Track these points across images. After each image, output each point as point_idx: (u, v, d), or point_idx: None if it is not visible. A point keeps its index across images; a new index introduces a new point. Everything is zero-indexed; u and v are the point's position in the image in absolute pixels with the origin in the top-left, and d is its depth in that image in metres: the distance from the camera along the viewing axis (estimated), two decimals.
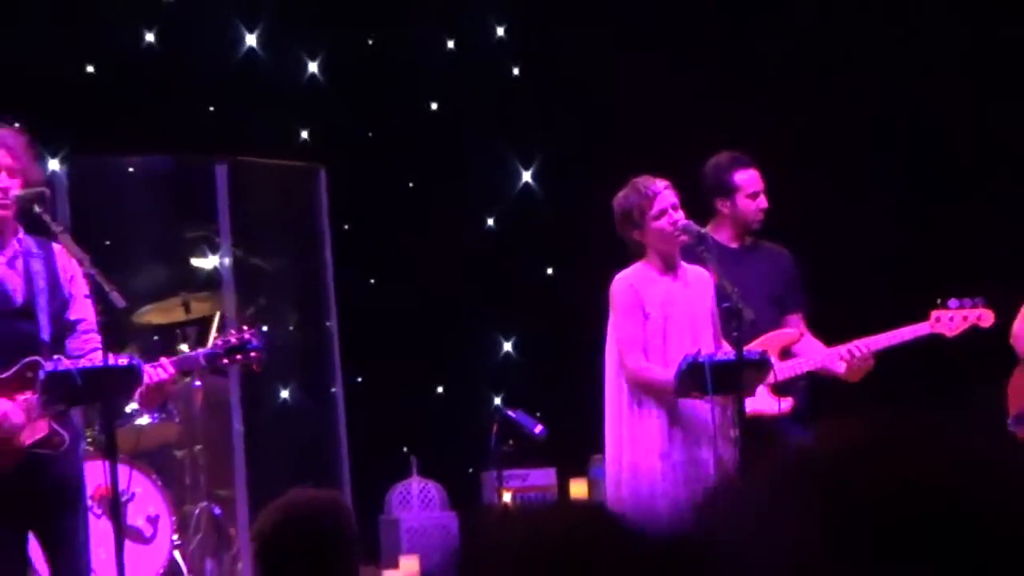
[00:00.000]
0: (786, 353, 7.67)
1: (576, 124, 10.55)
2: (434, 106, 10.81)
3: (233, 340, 6.75)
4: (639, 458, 7.15)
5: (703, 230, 7.25)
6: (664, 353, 7.12)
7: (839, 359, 7.59)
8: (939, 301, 7.72)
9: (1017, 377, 8.21)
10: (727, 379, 6.89)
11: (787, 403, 7.46)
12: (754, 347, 7.18)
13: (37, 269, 6.44)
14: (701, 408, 7.06)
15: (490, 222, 10.90)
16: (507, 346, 10.91)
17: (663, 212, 7.12)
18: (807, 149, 10.04)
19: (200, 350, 7.11)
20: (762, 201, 7.86)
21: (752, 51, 10.41)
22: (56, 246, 6.51)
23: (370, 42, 10.64)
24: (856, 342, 7.60)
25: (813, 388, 7.80)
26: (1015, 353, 8.12)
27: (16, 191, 6.35)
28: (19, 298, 6.40)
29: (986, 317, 7.79)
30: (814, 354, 7.69)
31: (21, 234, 6.49)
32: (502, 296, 10.67)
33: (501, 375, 10.69)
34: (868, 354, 7.56)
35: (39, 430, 6.34)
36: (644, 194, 7.15)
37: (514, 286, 10.71)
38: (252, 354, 6.71)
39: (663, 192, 7.15)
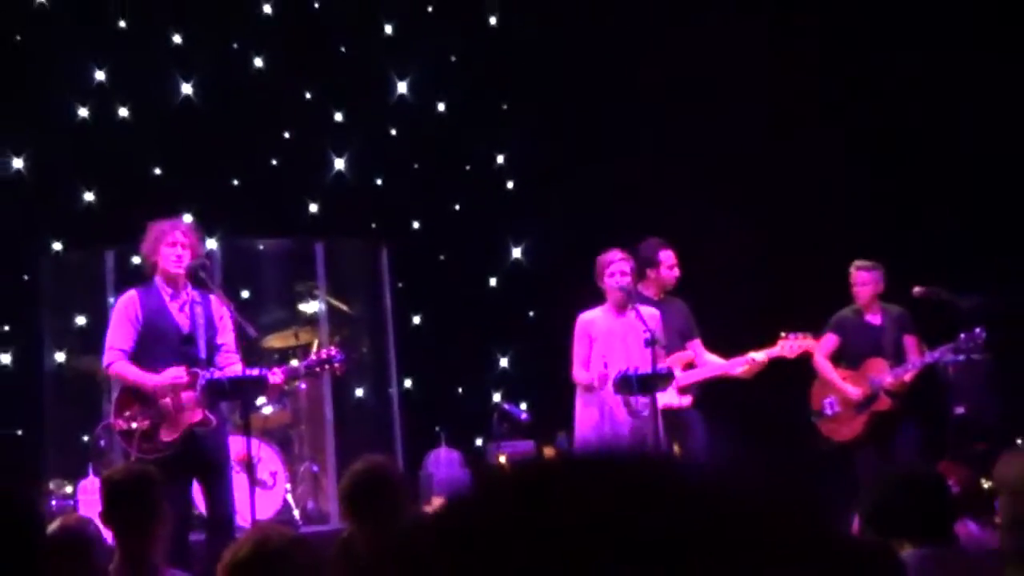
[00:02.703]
0: (688, 367, 7.58)
1: (550, 222, 10.35)
2: (456, 207, 10.67)
3: (323, 355, 6.67)
4: (583, 432, 7.10)
5: (631, 289, 7.13)
6: (609, 364, 6.99)
7: (737, 367, 7.44)
8: (783, 334, 7.54)
9: (816, 386, 8.14)
10: (646, 384, 6.80)
11: (687, 399, 7.48)
12: (666, 363, 7.09)
13: (198, 311, 6.48)
14: (624, 401, 6.98)
15: (492, 282, 10.74)
16: (504, 361, 10.72)
17: (612, 273, 7.10)
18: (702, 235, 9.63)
19: (300, 363, 7.00)
20: (676, 271, 7.80)
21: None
22: (212, 296, 6.56)
23: (416, 166, 10.51)
24: (746, 355, 7.44)
25: (704, 388, 7.67)
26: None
27: (188, 261, 6.43)
28: (185, 330, 6.44)
29: (813, 345, 7.67)
30: (713, 366, 7.58)
31: (189, 289, 6.52)
32: (500, 329, 10.52)
33: (500, 380, 10.52)
34: (757, 364, 7.41)
35: (196, 415, 6.36)
36: (605, 259, 7.16)
37: (508, 323, 10.54)
38: (336, 364, 6.60)
39: (616, 260, 7.13)
